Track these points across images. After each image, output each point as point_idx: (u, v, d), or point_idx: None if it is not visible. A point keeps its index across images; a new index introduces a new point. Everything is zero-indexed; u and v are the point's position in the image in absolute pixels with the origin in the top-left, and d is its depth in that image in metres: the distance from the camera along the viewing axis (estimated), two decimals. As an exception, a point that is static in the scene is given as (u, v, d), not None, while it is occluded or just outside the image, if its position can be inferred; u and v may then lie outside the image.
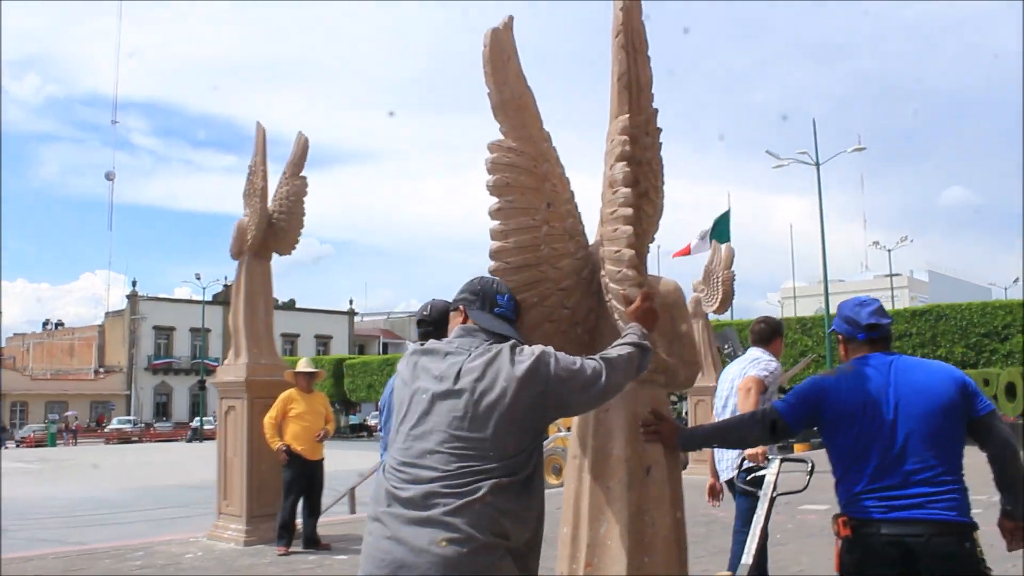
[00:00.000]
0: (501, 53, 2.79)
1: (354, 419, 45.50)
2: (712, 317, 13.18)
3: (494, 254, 2.72)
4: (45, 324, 64.44)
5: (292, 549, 6.85)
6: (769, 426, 2.69)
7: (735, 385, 4.64)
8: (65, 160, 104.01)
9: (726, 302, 12.31)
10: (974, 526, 2.42)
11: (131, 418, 48.16)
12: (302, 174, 7.95)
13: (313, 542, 6.99)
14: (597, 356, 2.22)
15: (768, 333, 4.80)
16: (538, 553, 2.14)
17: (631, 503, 2.69)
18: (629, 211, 2.47)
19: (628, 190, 2.48)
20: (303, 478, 6.96)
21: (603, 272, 2.68)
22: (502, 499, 1.98)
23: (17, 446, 40.64)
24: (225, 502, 7.52)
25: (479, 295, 2.35)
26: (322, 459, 7.15)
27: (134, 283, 55.45)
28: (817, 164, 23.47)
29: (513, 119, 2.80)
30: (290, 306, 62.22)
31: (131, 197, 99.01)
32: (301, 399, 7.03)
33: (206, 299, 49.39)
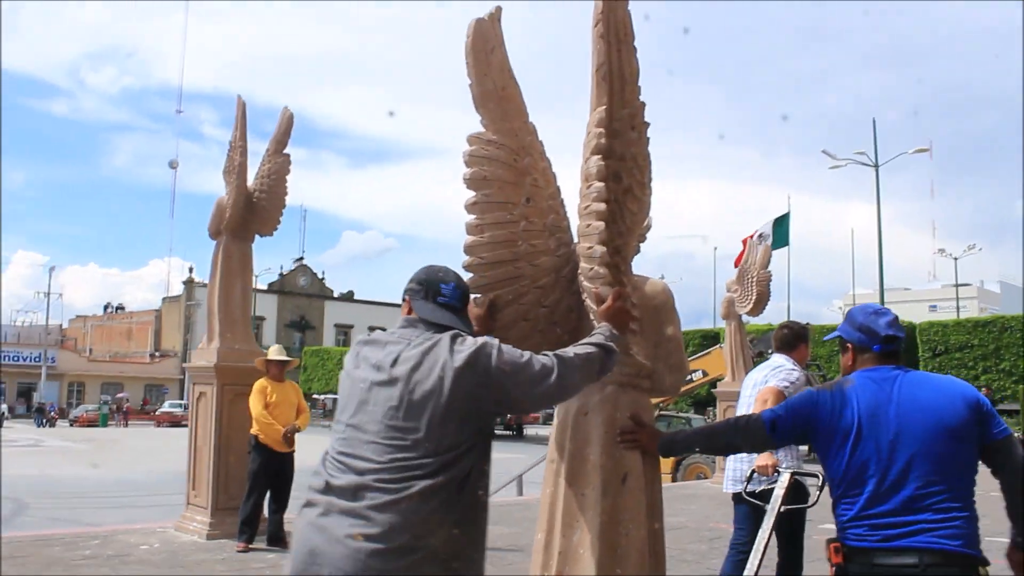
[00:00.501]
0: (484, 44, 2.72)
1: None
2: (747, 320, 12.63)
3: (468, 249, 2.65)
4: (106, 307, 66.70)
5: (254, 546, 6.48)
6: (753, 435, 2.54)
7: (756, 392, 4.47)
8: (138, 149, 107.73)
9: (760, 303, 11.64)
10: (981, 560, 2.22)
11: (182, 402, 49.46)
12: (286, 151, 7.55)
13: (278, 539, 6.56)
14: (551, 353, 2.13)
15: (792, 339, 4.59)
16: (475, 557, 2.04)
17: (604, 511, 2.59)
18: (603, 206, 2.37)
19: (602, 184, 2.37)
20: (270, 471, 6.56)
21: (580, 270, 2.58)
22: (432, 499, 1.90)
23: (71, 425, 41.98)
24: (193, 492, 7.20)
25: (423, 285, 2.25)
26: (293, 451, 6.70)
27: (191, 269, 56.87)
28: (876, 165, 22.62)
29: (494, 112, 2.72)
30: (348, 297, 63.18)
31: (200, 186, 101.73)
32: (273, 388, 6.67)
33: (260, 287, 50.39)
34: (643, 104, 2.62)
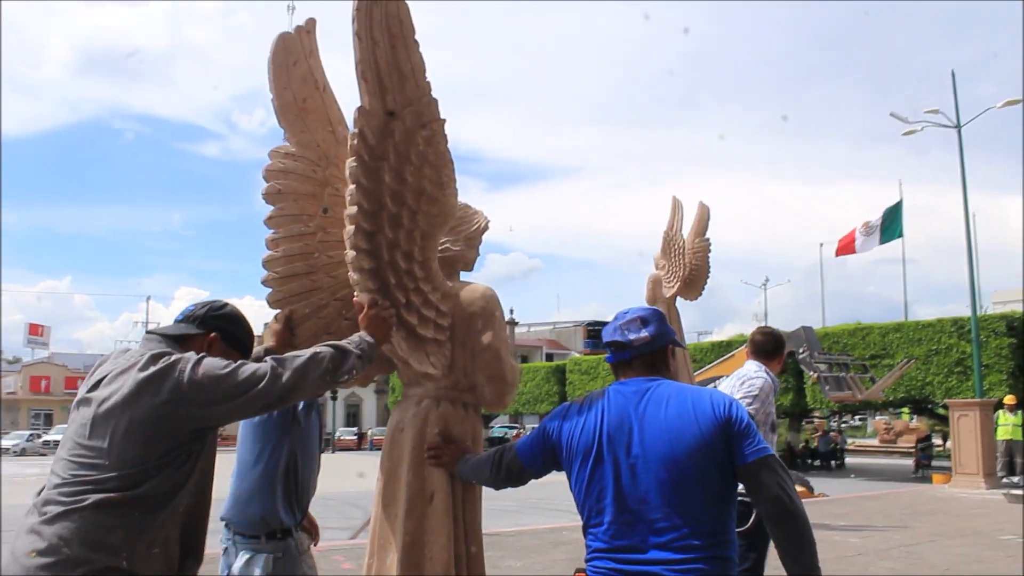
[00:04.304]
0: (286, 57, 2.72)
1: (496, 431, 37.54)
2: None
3: (265, 264, 2.62)
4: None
5: None
6: (505, 468, 2.30)
7: None
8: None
9: (695, 283, 8.58)
10: None
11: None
12: None
13: None
14: (271, 358, 2.05)
15: (771, 346, 4.23)
16: None
17: (408, 532, 2.46)
18: (354, 209, 2.27)
19: (353, 187, 2.28)
20: None
21: None
22: (112, 513, 1.85)
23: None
24: None
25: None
26: None
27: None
28: (958, 126, 19.76)
29: (294, 123, 2.70)
30: (509, 323, 63.88)
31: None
32: None
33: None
34: (434, 100, 2.51)
